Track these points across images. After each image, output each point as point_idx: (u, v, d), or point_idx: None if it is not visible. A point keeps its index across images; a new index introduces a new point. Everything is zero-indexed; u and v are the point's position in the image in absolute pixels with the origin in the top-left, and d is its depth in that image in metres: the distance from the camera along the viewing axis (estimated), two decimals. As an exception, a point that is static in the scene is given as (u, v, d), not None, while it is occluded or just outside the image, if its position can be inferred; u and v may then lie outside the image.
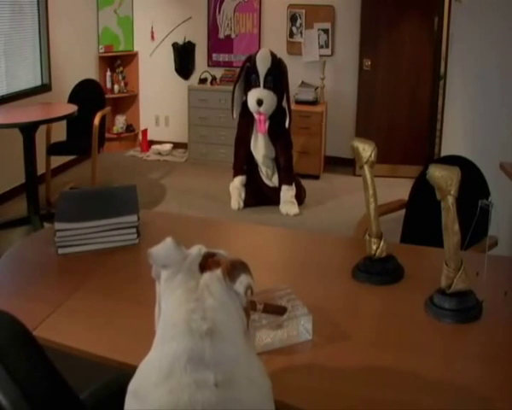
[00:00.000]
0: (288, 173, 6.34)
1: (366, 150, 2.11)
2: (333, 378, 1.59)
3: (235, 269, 1.23)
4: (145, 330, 1.80)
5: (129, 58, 8.59)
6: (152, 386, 1.10)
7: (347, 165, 7.51)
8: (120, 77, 8.50)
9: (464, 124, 5.07)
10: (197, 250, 1.30)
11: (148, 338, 1.74)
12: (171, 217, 3.16)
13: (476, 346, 1.82)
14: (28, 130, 5.51)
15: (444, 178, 1.82)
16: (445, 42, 6.70)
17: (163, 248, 1.28)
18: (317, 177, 7.47)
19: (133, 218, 2.38)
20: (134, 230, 2.39)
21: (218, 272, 1.22)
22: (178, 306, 1.19)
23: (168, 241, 1.29)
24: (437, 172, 1.83)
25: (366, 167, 2.11)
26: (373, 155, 2.11)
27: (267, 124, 6.14)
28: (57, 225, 2.31)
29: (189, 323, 1.14)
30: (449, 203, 1.83)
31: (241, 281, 1.22)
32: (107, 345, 1.75)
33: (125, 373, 1.69)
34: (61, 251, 2.32)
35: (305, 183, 6.93)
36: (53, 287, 2.13)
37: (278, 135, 6.21)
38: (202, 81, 8.07)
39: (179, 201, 6.58)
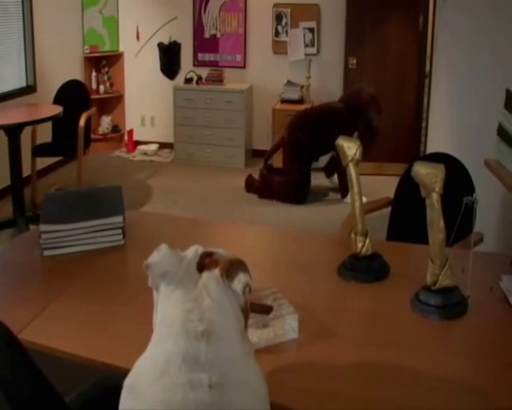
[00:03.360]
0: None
1: (351, 148, 2.11)
2: (319, 376, 1.59)
3: (232, 268, 1.23)
4: (131, 331, 1.80)
5: (114, 58, 8.55)
6: (147, 383, 1.11)
7: (334, 163, 7.52)
8: (106, 77, 8.47)
9: (449, 121, 5.09)
10: (194, 251, 1.29)
11: (134, 339, 1.74)
12: (157, 217, 3.15)
13: (462, 341, 1.83)
14: (13, 131, 5.47)
15: (428, 175, 1.83)
16: (430, 40, 6.73)
17: (159, 256, 1.26)
18: (303, 175, 7.47)
19: (119, 219, 2.37)
20: (120, 231, 2.38)
21: (216, 271, 1.22)
22: (176, 306, 1.19)
23: (162, 247, 1.27)
24: (422, 170, 1.84)
25: (351, 165, 2.12)
26: (358, 154, 2.11)
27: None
28: (42, 227, 2.30)
29: (185, 323, 1.14)
30: (434, 200, 1.84)
31: (239, 279, 1.22)
32: (93, 347, 1.74)
33: (110, 375, 1.68)
34: (46, 253, 2.31)
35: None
36: (38, 289, 2.11)
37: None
38: (188, 81, 8.06)
39: (165, 201, 6.56)
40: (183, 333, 1.13)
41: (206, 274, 1.22)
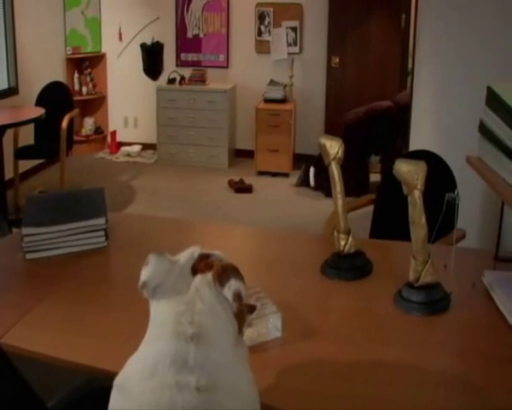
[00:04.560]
0: None
1: (333, 147, 2.11)
2: (303, 375, 1.59)
3: (224, 274, 1.21)
4: (114, 333, 1.79)
5: (97, 59, 8.53)
6: (135, 383, 1.11)
7: (317, 162, 7.55)
8: (88, 78, 8.44)
9: (431, 119, 5.11)
10: (190, 253, 1.27)
11: (117, 342, 1.73)
12: (140, 219, 3.14)
13: (445, 337, 1.84)
14: (-5, 134, 5.44)
15: (410, 172, 1.83)
16: (412, 38, 6.75)
17: (150, 269, 1.24)
18: (286, 175, 7.50)
19: (101, 221, 2.36)
20: (102, 232, 2.37)
21: (209, 275, 1.21)
22: (168, 307, 1.18)
23: (151, 258, 1.26)
24: (403, 167, 1.84)
25: (333, 164, 2.12)
26: (340, 152, 2.11)
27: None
28: (24, 230, 2.28)
29: (176, 325, 1.14)
30: (415, 197, 1.84)
31: (230, 286, 1.19)
32: (76, 350, 1.73)
33: (94, 378, 1.68)
34: (28, 256, 2.29)
35: (274, 180, 6.97)
36: (21, 293, 2.09)
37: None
38: (171, 81, 8.04)
39: (149, 202, 6.55)
40: (174, 335, 1.13)
41: (199, 277, 1.21)
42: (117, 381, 1.16)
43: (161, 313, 1.20)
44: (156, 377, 1.08)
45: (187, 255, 1.27)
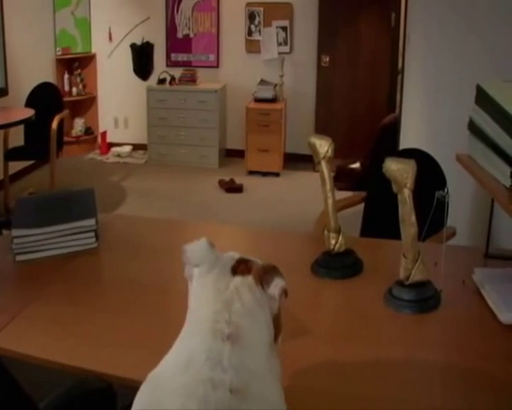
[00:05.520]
0: None
1: (323, 146, 2.12)
2: (294, 374, 1.59)
3: (268, 273, 1.21)
4: (105, 335, 1.79)
5: (87, 60, 8.50)
6: (169, 377, 1.09)
7: (307, 161, 7.52)
8: (78, 79, 8.41)
9: (422, 117, 5.13)
10: (231, 255, 1.28)
11: (108, 343, 1.73)
12: (131, 219, 3.13)
13: (435, 335, 1.84)
14: (-16, 136, 5.41)
15: (400, 171, 1.84)
16: (402, 37, 6.77)
17: (198, 247, 1.26)
18: (277, 174, 7.52)
19: (91, 222, 2.35)
20: (92, 234, 2.36)
21: (250, 278, 1.20)
22: (206, 304, 1.17)
23: (202, 240, 1.28)
24: (393, 166, 1.85)
25: (323, 163, 2.12)
26: (330, 151, 2.11)
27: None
28: (14, 232, 2.27)
29: (213, 323, 1.13)
30: (405, 196, 1.85)
31: (276, 284, 1.20)
32: (68, 352, 1.72)
33: (85, 379, 1.68)
34: (18, 258, 2.28)
35: (265, 180, 6.97)
36: (11, 295, 2.08)
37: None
38: (161, 81, 8.03)
39: (140, 202, 6.54)
40: (210, 333, 1.12)
41: (238, 278, 1.20)
42: (149, 376, 1.14)
43: (198, 309, 1.19)
44: (190, 371, 1.07)
45: (228, 256, 1.27)
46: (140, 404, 1.11)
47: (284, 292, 1.22)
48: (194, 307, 1.21)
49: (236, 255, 1.27)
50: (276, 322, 1.25)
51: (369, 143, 6.75)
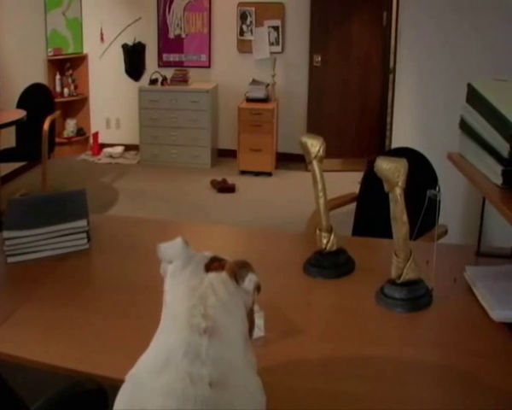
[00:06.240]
0: None
1: (314, 145, 2.12)
2: (286, 373, 1.59)
3: (241, 269, 1.24)
4: (97, 336, 1.79)
5: (78, 61, 8.48)
6: (147, 374, 1.10)
7: (299, 161, 7.50)
8: (70, 80, 8.39)
9: (413, 116, 5.14)
10: (205, 253, 1.30)
11: (100, 345, 1.73)
12: (123, 220, 3.13)
13: (427, 333, 1.85)
14: (-25, 137, 5.39)
15: (391, 170, 1.84)
16: (393, 36, 6.78)
17: (172, 245, 1.30)
18: (269, 174, 7.52)
19: (83, 223, 2.35)
20: (84, 235, 2.36)
21: (224, 274, 1.22)
22: (181, 301, 1.19)
23: (178, 239, 1.31)
24: (384, 165, 1.85)
25: (315, 162, 2.12)
26: (321, 150, 2.11)
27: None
28: (5, 234, 2.27)
29: (189, 318, 1.14)
30: (397, 194, 1.85)
31: (250, 279, 1.23)
32: (59, 354, 1.72)
33: (77, 381, 1.67)
34: (10, 260, 2.27)
35: (257, 180, 6.96)
36: (2, 297, 2.07)
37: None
38: (153, 82, 8.02)
39: (132, 203, 6.53)
40: (187, 327, 1.13)
41: (213, 274, 1.22)
42: (128, 374, 1.15)
43: (174, 305, 1.20)
44: (169, 368, 1.08)
45: (202, 255, 1.29)
46: (121, 404, 1.11)
47: (258, 287, 1.25)
48: (170, 304, 1.22)
49: (210, 254, 1.30)
50: (250, 316, 1.27)
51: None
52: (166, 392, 1.05)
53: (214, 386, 1.06)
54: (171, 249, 1.29)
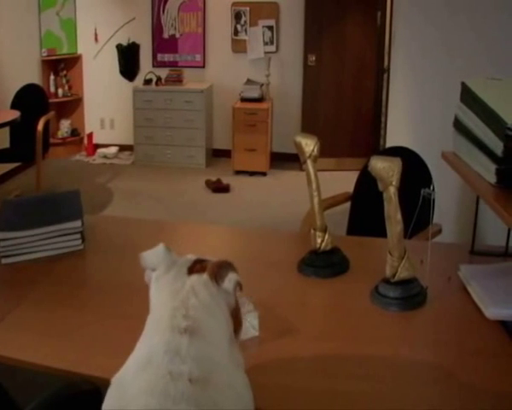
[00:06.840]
0: None
1: (309, 145, 2.12)
2: (281, 373, 1.59)
3: (221, 269, 1.26)
4: (91, 337, 1.78)
5: (72, 61, 8.47)
6: (130, 376, 1.12)
7: (294, 161, 7.51)
8: (64, 80, 8.37)
9: (407, 115, 5.15)
10: (189, 257, 1.32)
11: (94, 345, 1.72)
12: (117, 220, 3.12)
13: (422, 331, 1.85)
14: (-31, 138, 5.38)
15: (385, 169, 1.84)
16: (388, 36, 6.79)
17: (154, 253, 1.31)
18: (264, 173, 7.53)
19: (77, 223, 2.34)
20: (78, 235, 2.35)
21: (205, 275, 1.24)
22: (164, 304, 1.21)
23: (160, 246, 1.32)
24: (378, 164, 1.85)
25: (309, 162, 2.12)
26: (316, 150, 2.11)
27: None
28: (0, 235, 2.26)
29: (170, 319, 1.16)
30: (391, 193, 1.85)
31: (230, 279, 1.25)
32: (55, 355, 1.71)
33: (71, 382, 1.66)
34: (4, 261, 2.27)
35: (252, 180, 6.95)
36: (-4, 298, 2.08)
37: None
38: (147, 82, 8.01)
39: (126, 203, 6.52)
40: (168, 328, 1.15)
41: (194, 277, 1.24)
42: (114, 378, 1.16)
43: (157, 309, 1.22)
44: (150, 367, 1.10)
45: (184, 258, 1.31)
46: (107, 408, 1.12)
47: (239, 285, 1.27)
48: (154, 308, 1.24)
49: (193, 257, 1.32)
50: (235, 316, 1.29)
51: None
52: (148, 391, 1.06)
53: (194, 382, 1.07)
54: (153, 256, 1.31)
